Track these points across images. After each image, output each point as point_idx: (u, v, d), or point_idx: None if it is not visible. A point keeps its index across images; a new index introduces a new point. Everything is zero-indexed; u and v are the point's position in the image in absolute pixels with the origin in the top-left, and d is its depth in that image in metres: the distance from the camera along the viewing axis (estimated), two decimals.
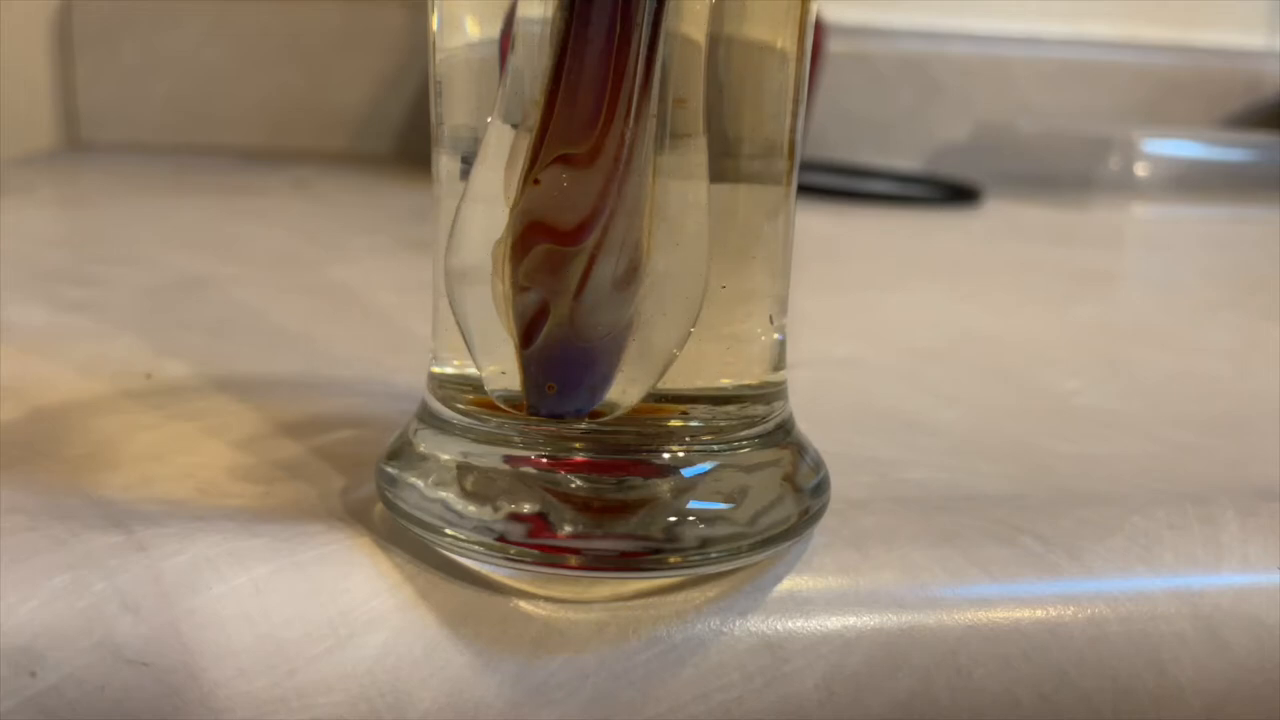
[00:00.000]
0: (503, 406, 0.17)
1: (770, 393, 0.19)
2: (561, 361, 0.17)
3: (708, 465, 0.17)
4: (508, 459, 0.17)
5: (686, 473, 0.17)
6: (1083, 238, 0.60)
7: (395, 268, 0.41)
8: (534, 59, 0.16)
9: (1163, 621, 0.18)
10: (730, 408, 0.18)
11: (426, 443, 0.18)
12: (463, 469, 0.18)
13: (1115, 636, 0.18)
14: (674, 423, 0.18)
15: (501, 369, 0.17)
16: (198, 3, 0.68)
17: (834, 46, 0.70)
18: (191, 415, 0.23)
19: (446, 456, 0.18)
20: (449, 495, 0.17)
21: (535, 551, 0.17)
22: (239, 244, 0.45)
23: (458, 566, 0.17)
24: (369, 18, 0.70)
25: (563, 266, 0.16)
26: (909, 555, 0.19)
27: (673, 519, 0.17)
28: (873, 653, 0.17)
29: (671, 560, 0.17)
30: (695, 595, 0.17)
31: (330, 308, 0.35)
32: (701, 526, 0.17)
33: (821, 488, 0.19)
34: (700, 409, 0.18)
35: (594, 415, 0.17)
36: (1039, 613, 0.18)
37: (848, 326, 0.36)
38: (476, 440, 0.18)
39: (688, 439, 0.17)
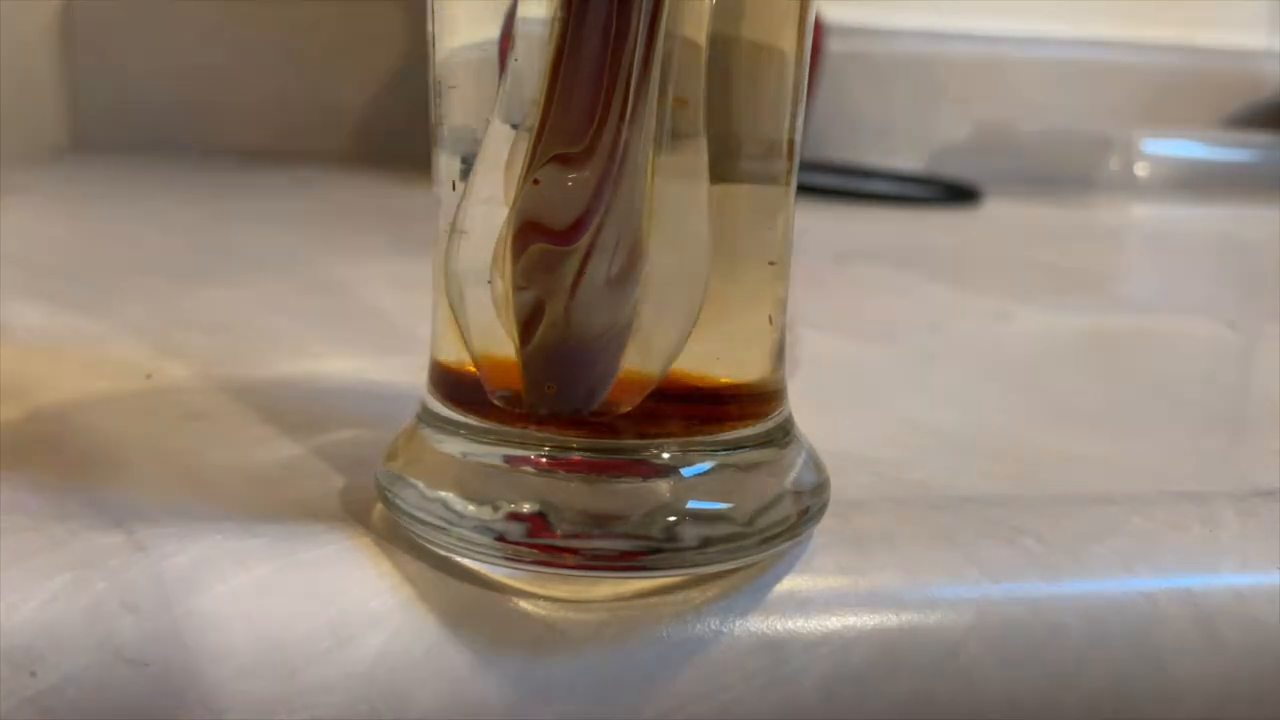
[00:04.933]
0: (503, 406, 0.17)
1: (770, 392, 0.19)
2: (560, 361, 0.17)
3: (707, 465, 0.17)
4: (507, 459, 0.17)
5: (686, 472, 0.17)
6: (1083, 238, 0.59)
7: (395, 268, 0.41)
8: (534, 59, 0.16)
9: (1163, 621, 0.18)
10: (730, 407, 0.18)
11: (426, 442, 0.18)
12: (462, 469, 0.18)
13: (1115, 636, 0.18)
14: (674, 423, 0.18)
15: (502, 369, 0.17)
16: (198, 3, 0.68)
17: (834, 46, 0.70)
18: (191, 415, 0.23)
19: (446, 456, 0.18)
20: (449, 495, 0.17)
21: (534, 551, 0.17)
22: (239, 244, 0.45)
23: (458, 566, 0.17)
24: (369, 18, 0.70)
25: (557, 265, 0.16)
26: (909, 555, 0.19)
27: (672, 519, 0.17)
28: (873, 653, 0.17)
29: (671, 560, 0.17)
30: (695, 595, 0.17)
31: (330, 308, 0.35)
32: (701, 526, 0.17)
33: (821, 488, 0.19)
34: (700, 409, 0.18)
35: (594, 414, 0.17)
36: (1039, 613, 0.18)
37: (848, 326, 0.36)
38: (476, 440, 0.18)
39: (688, 439, 0.17)
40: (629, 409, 0.17)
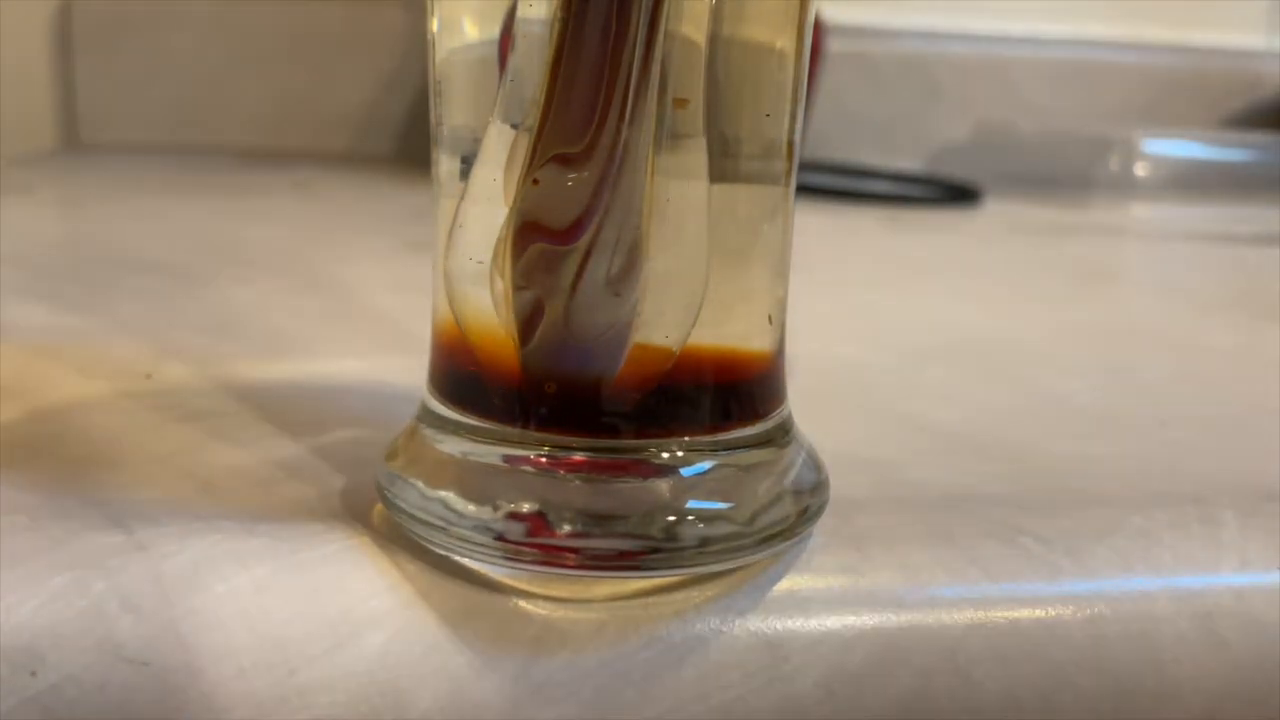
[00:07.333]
0: (502, 405, 0.17)
1: (770, 392, 0.19)
2: (560, 360, 0.17)
3: (707, 465, 0.17)
4: (507, 458, 0.17)
5: (686, 472, 0.17)
6: (1083, 238, 0.60)
7: (395, 268, 0.41)
8: (534, 59, 0.16)
9: (1163, 621, 0.18)
10: (730, 407, 0.18)
11: (426, 442, 0.18)
12: (462, 468, 0.18)
13: (1115, 636, 0.18)
14: (674, 422, 0.18)
15: (501, 368, 0.17)
16: (198, 3, 0.68)
17: (834, 46, 0.70)
18: (191, 415, 0.23)
19: (446, 456, 0.18)
20: (448, 495, 0.17)
21: (534, 551, 0.17)
22: (239, 244, 0.45)
23: (458, 566, 0.17)
24: (369, 18, 0.70)
25: (557, 265, 0.16)
26: (909, 555, 0.19)
27: (672, 518, 0.17)
28: (873, 653, 0.17)
29: (671, 560, 0.17)
30: (695, 595, 0.17)
31: (330, 308, 0.35)
32: (701, 526, 0.17)
33: (821, 488, 0.19)
34: (700, 408, 0.18)
35: (594, 414, 0.17)
36: (1039, 613, 0.18)
37: (848, 326, 0.36)
38: (476, 440, 0.18)
39: (687, 439, 0.17)
40: (628, 408, 0.17)
